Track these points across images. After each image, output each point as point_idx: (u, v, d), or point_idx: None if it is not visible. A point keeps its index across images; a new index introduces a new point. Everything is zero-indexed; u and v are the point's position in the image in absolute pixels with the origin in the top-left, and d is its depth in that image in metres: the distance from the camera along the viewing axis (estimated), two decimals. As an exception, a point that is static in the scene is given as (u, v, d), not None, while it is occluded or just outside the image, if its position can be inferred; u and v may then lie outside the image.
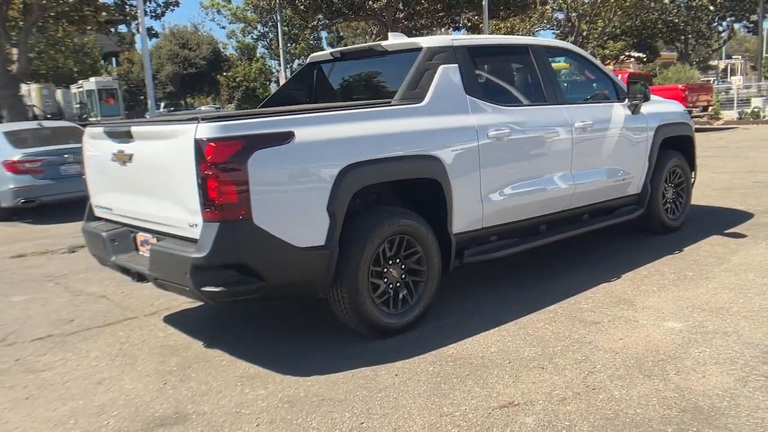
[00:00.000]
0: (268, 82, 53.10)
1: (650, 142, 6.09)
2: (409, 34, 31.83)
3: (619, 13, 37.88)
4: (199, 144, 3.39)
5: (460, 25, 33.94)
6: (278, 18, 24.38)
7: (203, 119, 3.44)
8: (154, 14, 20.84)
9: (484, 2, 26.70)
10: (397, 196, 4.43)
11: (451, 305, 4.65)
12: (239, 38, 51.64)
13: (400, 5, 26.83)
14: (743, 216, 7.16)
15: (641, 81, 5.97)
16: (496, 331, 4.18)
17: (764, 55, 51.60)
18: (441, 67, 4.50)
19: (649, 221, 6.32)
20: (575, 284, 5.04)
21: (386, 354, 3.90)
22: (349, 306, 3.93)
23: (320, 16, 28.03)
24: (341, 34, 48.01)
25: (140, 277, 4.05)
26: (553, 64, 5.56)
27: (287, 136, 3.60)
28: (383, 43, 4.90)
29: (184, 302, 5.20)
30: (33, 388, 3.76)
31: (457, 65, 4.59)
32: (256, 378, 3.69)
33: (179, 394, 3.54)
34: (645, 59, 46.92)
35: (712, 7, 41.74)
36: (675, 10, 41.82)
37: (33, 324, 4.93)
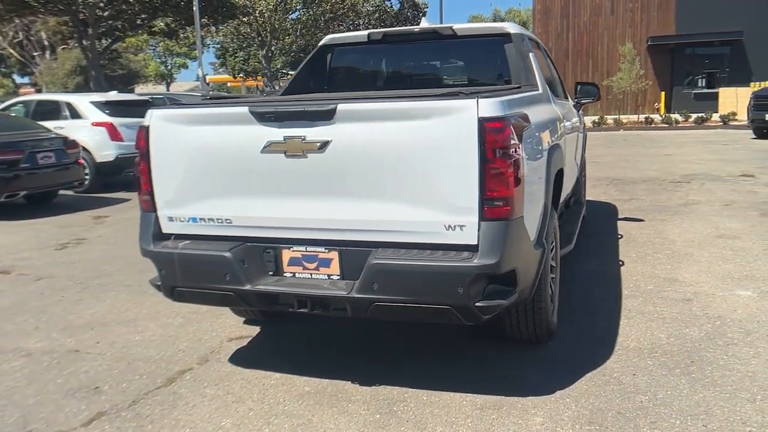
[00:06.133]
0: None
1: (583, 139, 6.67)
2: (112, 35, 28.65)
3: (303, 31, 40.04)
4: (484, 124, 2.70)
5: (156, 30, 31.94)
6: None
7: (481, 94, 2.75)
8: None
9: (195, 9, 25.54)
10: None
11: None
12: None
13: (101, 3, 24.08)
14: (607, 206, 8.24)
15: (593, 83, 6.50)
16: (627, 321, 4.16)
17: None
18: (530, 54, 4.32)
19: (577, 211, 6.88)
20: (599, 271, 5.27)
21: (564, 357, 3.61)
22: (539, 310, 3.52)
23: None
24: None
25: (314, 305, 3.03)
26: None
27: (528, 118, 3.10)
28: (454, 26, 4.46)
29: (224, 338, 4.03)
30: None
31: (533, 53, 4.45)
32: (490, 408, 3.06)
33: (449, 444, 2.78)
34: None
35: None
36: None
37: (38, 404, 3.29)
